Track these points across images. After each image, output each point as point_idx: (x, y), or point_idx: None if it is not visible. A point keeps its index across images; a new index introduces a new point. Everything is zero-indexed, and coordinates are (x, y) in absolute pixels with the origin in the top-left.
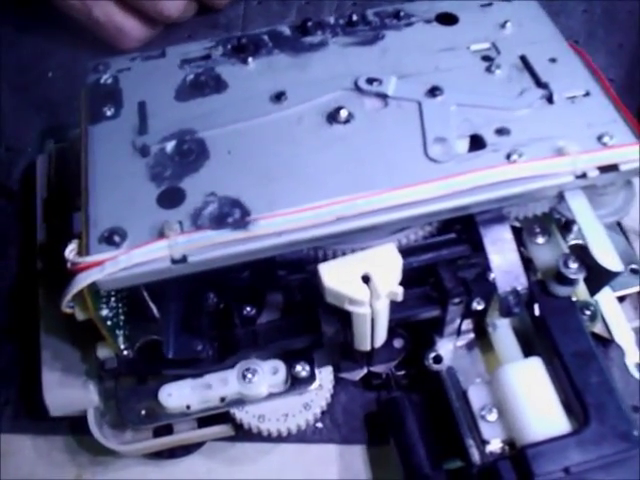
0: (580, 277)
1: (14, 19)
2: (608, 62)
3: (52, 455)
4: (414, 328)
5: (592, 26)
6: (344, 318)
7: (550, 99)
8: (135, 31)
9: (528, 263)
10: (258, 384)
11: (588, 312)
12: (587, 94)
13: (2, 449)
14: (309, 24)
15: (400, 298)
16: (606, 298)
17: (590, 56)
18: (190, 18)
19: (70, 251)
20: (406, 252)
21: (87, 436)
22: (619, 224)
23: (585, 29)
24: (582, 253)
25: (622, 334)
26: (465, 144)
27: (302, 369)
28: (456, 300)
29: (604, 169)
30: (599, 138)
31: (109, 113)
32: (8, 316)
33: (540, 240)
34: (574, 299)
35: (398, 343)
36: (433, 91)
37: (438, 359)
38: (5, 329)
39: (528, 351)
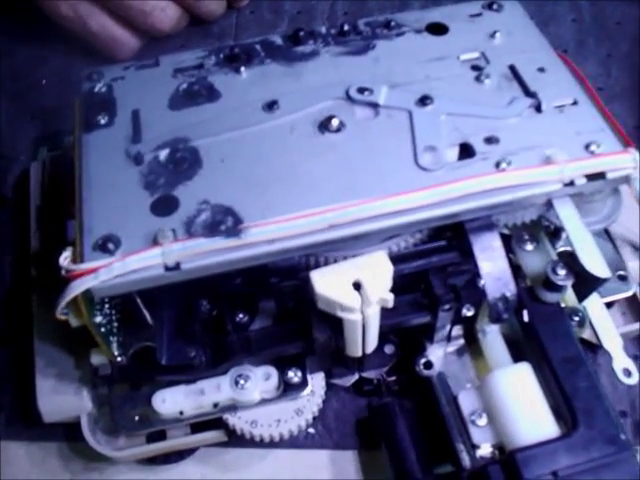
0: (568, 283)
1: (8, 28)
2: (597, 71)
3: (46, 461)
4: (405, 334)
5: (581, 35)
6: (335, 324)
7: (538, 108)
8: (130, 41)
9: (517, 270)
10: (251, 390)
11: (576, 318)
12: (575, 103)
13: None
14: (301, 34)
15: (391, 305)
16: (594, 304)
17: (579, 65)
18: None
19: (64, 258)
20: (397, 259)
21: (81, 442)
22: (606, 231)
23: (574, 38)
24: (570, 260)
25: (610, 340)
26: (455, 153)
27: (294, 375)
28: (446, 307)
29: (591, 177)
30: (586, 146)
31: (103, 121)
32: (2, 323)
33: (529, 247)
34: (563, 305)
35: (389, 349)
36: (423, 100)
37: (429, 365)
38: None
39: (517, 357)
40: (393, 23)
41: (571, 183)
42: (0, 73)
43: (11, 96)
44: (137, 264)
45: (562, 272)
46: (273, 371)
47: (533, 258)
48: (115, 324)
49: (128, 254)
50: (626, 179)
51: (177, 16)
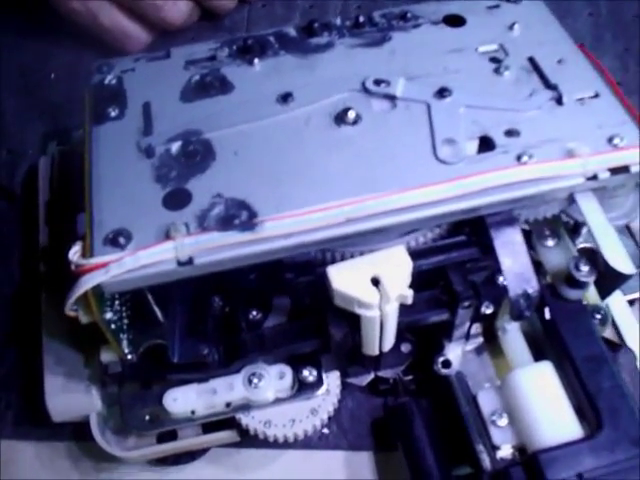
0: (591, 280)
1: (16, 23)
2: (614, 65)
3: (54, 461)
4: (422, 332)
5: (598, 29)
6: (352, 321)
7: (559, 100)
8: (141, 35)
9: (537, 266)
10: (264, 389)
11: (598, 316)
12: (596, 95)
13: (4, 456)
14: (315, 25)
15: (410, 301)
16: (616, 302)
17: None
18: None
19: (74, 253)
20: (416, 254)
21: (90, 442)
22: (628, 227)
23: (591, 32)
24: (591, 257)
25: (634, 338)
26: (474, 146)
27: (309, 374)
28: (466, 304)
29: (615, 171)
30: (609, 140)
31: (113, 114)
32: (10, 320)
33: (550, 243)
34: (584, 303)
35: (406, 348)
36: (442, 92)
37: (447, 364)
38: (7, 333)
39: (538, 355)
40: (409, 15)
41: (594, 177)
42: (9, 68)
43: (20, 91)
44: (149, 259)
45: (585, 268)
46: (287, 370)
47: (554, 254)
48: (125, 321)
49: (139, 248)
50: None
51: (188, 9)
